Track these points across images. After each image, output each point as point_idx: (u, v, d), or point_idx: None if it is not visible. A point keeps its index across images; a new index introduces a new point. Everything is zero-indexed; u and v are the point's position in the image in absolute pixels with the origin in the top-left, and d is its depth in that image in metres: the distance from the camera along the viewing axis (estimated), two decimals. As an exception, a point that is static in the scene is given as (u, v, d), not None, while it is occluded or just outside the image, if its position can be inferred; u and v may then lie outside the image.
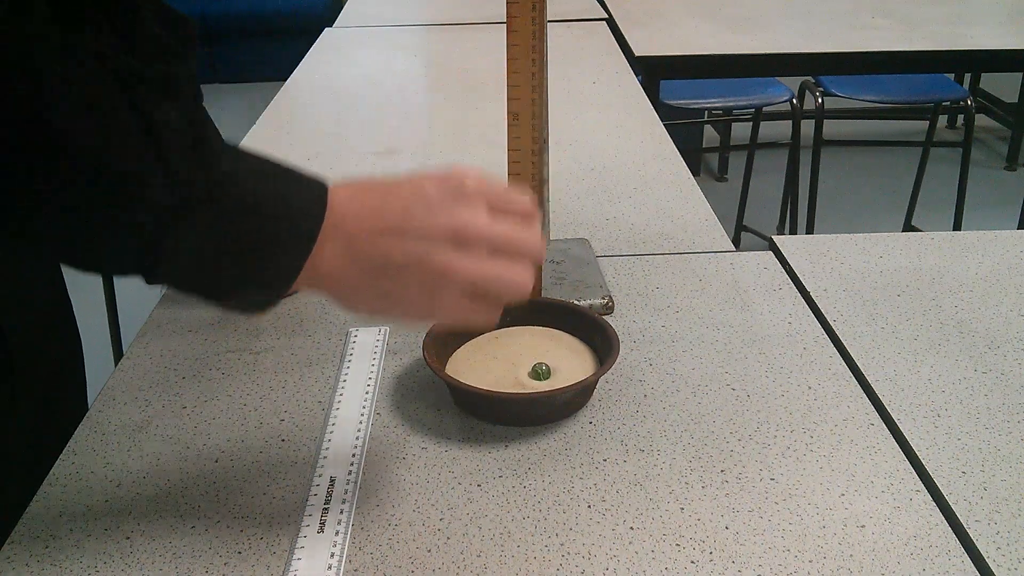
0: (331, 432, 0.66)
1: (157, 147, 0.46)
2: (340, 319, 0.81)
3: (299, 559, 0.54)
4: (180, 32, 0.54)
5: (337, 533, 0.56)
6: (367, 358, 0.75)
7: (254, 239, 0.49)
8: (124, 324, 2.14)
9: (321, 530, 0.57)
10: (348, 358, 0.74)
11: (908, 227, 2.87)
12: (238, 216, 0.48)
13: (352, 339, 0.77)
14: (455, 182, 0.51)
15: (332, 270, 0.50)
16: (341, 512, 0.58)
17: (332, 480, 0.61)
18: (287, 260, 0.50)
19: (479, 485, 0.62)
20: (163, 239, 0.47)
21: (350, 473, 0.62)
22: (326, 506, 0.59)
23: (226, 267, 0.49)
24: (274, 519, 0.58)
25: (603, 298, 0.81)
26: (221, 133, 0.53)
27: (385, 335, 0.78)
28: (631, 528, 0.58)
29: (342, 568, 0.54)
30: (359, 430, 0.66)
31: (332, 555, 0.55)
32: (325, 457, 0.63)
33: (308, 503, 0.59)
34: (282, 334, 0.79)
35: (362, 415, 0.68)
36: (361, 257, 0.50)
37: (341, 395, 0.70)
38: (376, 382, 0.72)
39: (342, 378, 0.72)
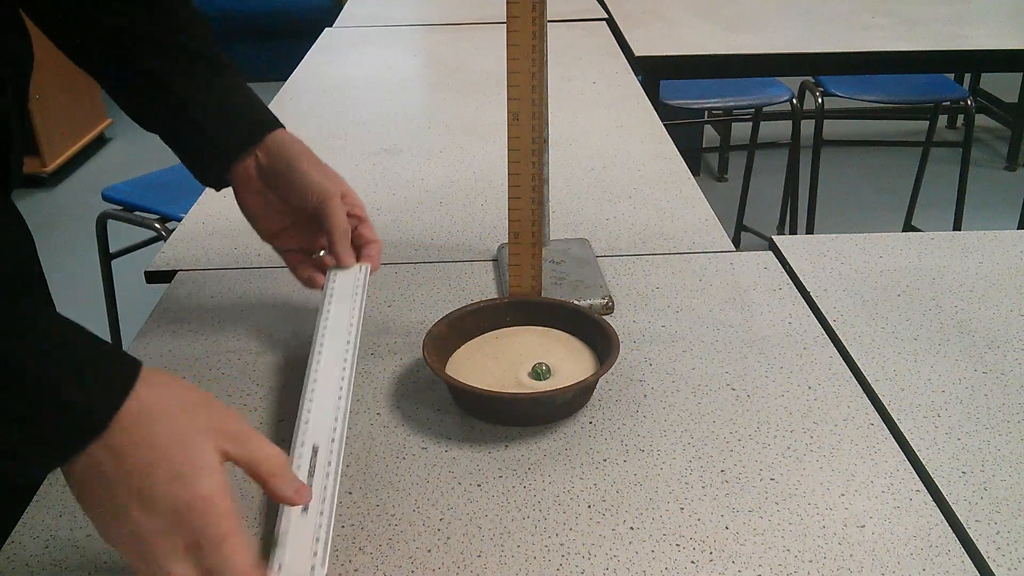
0: (312, 392, 0.60)
1: None
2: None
3: (282, 547, 0.50)
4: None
5: (321, 514, 0.52)
6: (348, 300, 0.68)
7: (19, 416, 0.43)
8: (124, 324, 2.14)
9: (305, 510, 0.52)
10: (328, 299, 0.68)
11: (908, 227, 2.87)
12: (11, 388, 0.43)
13: (332, 280, 0.70)
14: (199, 521, 0.44)
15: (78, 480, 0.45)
16: (325, 488, 0.53)
17: (315, 450, 0.55)
18: (42, 458, 0.45)
19: (479, 485, 0.62)
20: None
21: (332, 441, 0.56)
22: (309, 480, 0.54)
23: None
24: (272, 515, 0.58)
25: (603, 298, 0.81)
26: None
27: (366, 272, 0.71)
28: (631, 528, 0.58)
29: (327, 555, 0.51)
30: (341, 388, 0.60)
31: (317, 540, 0.50)
32: (307, 422, 0.58)
33: None
34: (282, 334, 0.79)
35: (344, 369, 0.62)
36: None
37: (320, 351, 0.64)
38: (357, 326, 0.66)
39: (321, 325, 0.66)
